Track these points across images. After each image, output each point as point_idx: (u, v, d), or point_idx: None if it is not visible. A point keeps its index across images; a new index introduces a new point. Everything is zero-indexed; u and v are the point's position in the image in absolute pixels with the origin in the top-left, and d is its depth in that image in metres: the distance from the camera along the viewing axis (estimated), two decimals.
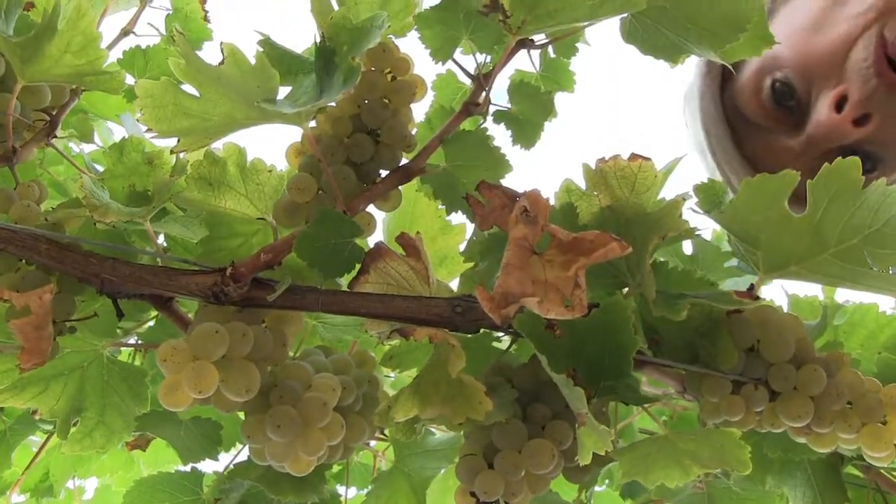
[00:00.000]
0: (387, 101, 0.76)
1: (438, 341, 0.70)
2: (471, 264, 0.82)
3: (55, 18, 0.71)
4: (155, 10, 1.14)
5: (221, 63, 0.62)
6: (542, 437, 0.74)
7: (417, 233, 0.77)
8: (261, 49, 0.73)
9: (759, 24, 0.84)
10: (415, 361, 0.86)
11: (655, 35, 0.83)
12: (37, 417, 1.04)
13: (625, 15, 0.82)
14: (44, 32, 0.71)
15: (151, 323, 0.90)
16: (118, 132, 1.06)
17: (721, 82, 1.21)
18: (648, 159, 0.74)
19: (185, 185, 0.76)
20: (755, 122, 1.17)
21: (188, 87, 0.63)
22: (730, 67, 0.91)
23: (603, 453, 0.66)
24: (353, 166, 0.76)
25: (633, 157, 0.74)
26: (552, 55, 0.97)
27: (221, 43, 0.64)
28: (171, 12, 1.19)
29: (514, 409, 0.75)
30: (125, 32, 1.10)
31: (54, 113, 0.83)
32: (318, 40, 0.67)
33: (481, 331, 0.75)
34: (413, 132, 0.80)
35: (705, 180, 0.86)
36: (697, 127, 1.22)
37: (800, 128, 1.12)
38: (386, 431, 0.92)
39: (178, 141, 0.69)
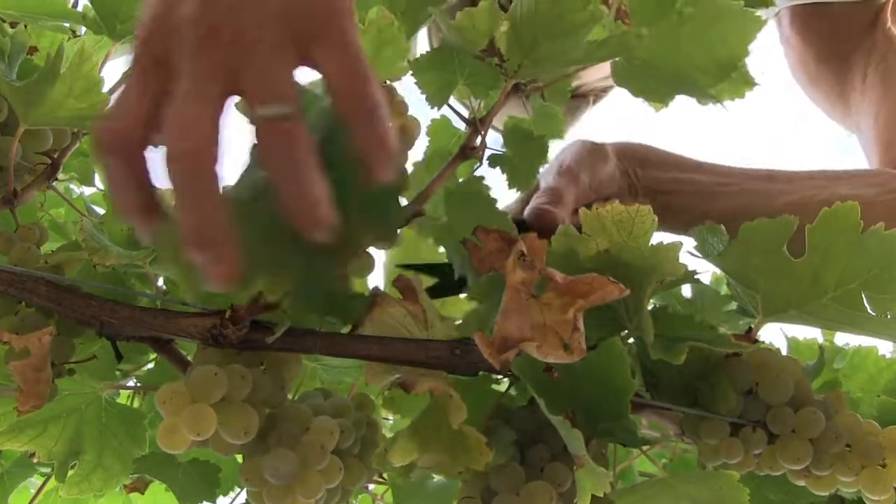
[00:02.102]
0: None
1: (438, 394, 0.69)
2: (473, 305, 0.81)
3: (58, 63, 0.71)
4: None
5: None
6: (541, 480, 0.73)
7: (414, 274, 0.77)
8: None
9: (743, 68, 0.85)
10: (415, 406, 0.85)
11: (646, 77, 0.83)
12: (35, 460, 1.03)
13: (617, 58, 0.82)
14: (46, 76, 0.71)
15: (150, 365, 0.89)
16: None
17: None
18: (646, 204, 0.74)
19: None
20: None
21: None
22: None
23: (601, 495, 0.65)
24: None
25: (630, 202, 0.74)
26: (544, 101, 0.97)
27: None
28: None
29: (513, 451, 0.75)
30: (126, 77, 1.10)
31: (55, 156, 0.83)
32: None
33: (480, 373, 0.74)
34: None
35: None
36: None
37: None
38: (385, 475, 0.91)
39: None
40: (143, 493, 1.03)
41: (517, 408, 0.78)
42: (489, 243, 0.69)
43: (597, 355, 0.67)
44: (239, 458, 0.98)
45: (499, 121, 1.01)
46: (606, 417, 0.69)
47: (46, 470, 1.13)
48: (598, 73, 1.23)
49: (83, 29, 0.91)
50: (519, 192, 0.91)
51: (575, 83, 1.19)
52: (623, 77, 0.84)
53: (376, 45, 0.74)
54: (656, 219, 0.72)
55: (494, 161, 0.89)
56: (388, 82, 0.78)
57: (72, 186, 1.08)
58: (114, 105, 0.54)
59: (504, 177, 0.90)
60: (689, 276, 0.68)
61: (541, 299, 0.64)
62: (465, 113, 0.84)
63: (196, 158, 0.50)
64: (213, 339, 0.71)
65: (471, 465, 0.69)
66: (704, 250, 0.73)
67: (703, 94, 0.83)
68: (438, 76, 0.82)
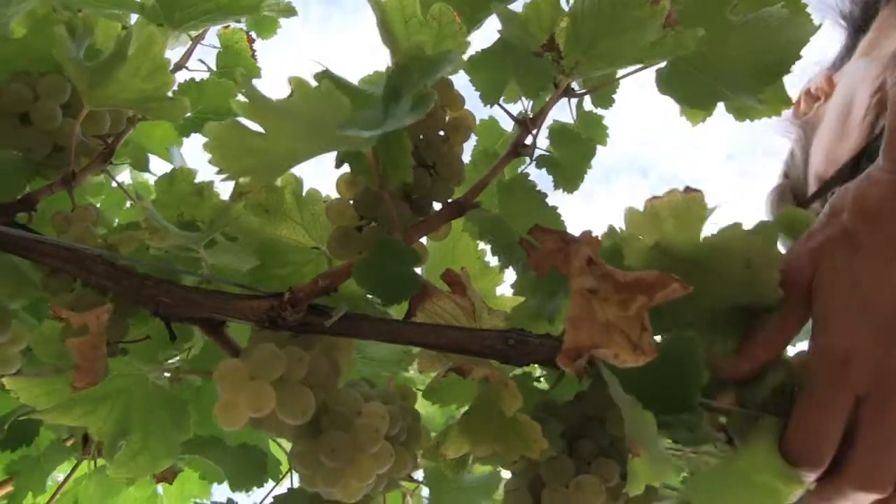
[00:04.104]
0: (443, 135, 0.77)
1: (495, 381, 0.69)
2: (521, 299, 0.81)
3: (127, 44, 0.71)
4: (206, 47, 1.15)
5: (290, 97, 0.62)
6: (590, 473, 0.73)
7: (462, 268, 0.77)
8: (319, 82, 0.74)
9: (779, 87, 0.86)
10: (458, 396, 0.85)
11: (692, 83, 0.84)
12: (69, 443, 1.02)
13: (663, 64, 0.83)
14: (115, 57, 0.72)
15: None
16: (157, 163, 1.06)
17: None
18: (699, 191, 0.74)
19: (241, 211, 0.76)
20: None
21: (253, 126, 0.62)
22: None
23: (658, 485, 0.65)
24: (406, 198, 0.76)
25: (688, 190, 0.74)
26: (589, 106, 0.98)
27: (289, 77, 0.65)
28: (220, 50, 1.20)
29: (562, 444, 0.74)
30: (178, 67, 1.10)
31: (110, 140, 0.83)
32: (389, 67, 0.68)
33: (522, 371, 0.74)
34: None
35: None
36: None
37: None
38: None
39: (244, 178, 0.69)
40: (171, 484, 1.02)
41: (563, 402, 0.78)
42: (547, 243, 0.69)
43: (668, 346, 0.67)
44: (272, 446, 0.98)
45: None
46: (670, 410, 0.69)
47: (77, 455, 1.12)
48: None
49: (132, 19, 0.92)
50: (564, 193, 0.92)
51: None
52: (667, 84, 0.84)
53: (436, 40, 0.74)
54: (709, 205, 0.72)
55: (542, 162, 0.90)
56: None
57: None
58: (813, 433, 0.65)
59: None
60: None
61: (597, 293, 0.64)
62: (515, 113, 0.85)
63: None
64: (271, 321, 0.71)
65: (526, 453, 0.69)
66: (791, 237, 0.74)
67: (747, 101, 0.84)
68: (492, 75, 0.82)
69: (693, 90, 0.84)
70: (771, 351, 0.71)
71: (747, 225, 0.69)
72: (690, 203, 0.72)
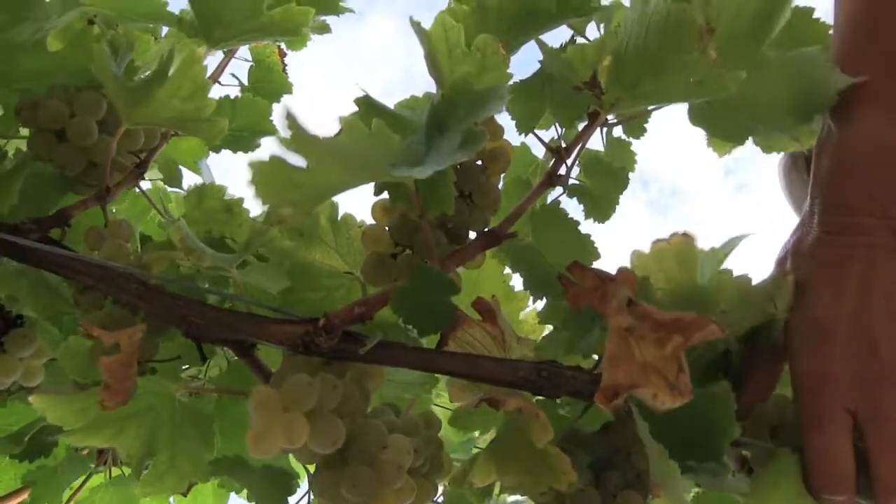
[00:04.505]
0: (481, 165, 0.76)
1: (527, 412, 0.69)
2: (546, 328, 0.81)
3: (168, 64, 0.71)
4: (237, 60, 1.15)
5: (338, 135, 0.62)
6: None
7: (493, 297, 0.76)
8: (357, 108, 0.74)
9: (814, 124, 0.86)
10: (482, 424, 0.85)
11: (725, 118, 0.84)
12: (85, 453, 1.02)
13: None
14: (156, 77, 0.71)
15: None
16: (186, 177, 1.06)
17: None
18: (692, 236, 0.75)
19: (275, 233, 0.75)
20: None
21: (295, 159, 0.62)
22: None
23: None
24: (442, 227, 0.76)
25: (684, 234, 0.75)
26: (619, 134, 0.98)
27: (340, 118, 0.64)
28: (253, 65, 1.20)
29: (589, 476, 0.74)
30: (211, 81, 1.10)
31: (143, 156, 0.83)
32: (435, 100, 0.68)
33: (542, 399, 0.74)
34: None
35: None
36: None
37: None
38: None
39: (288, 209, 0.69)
40: (185, 496, 1.02)
41: (590, 433, 0.78)
42: (585, 280, 0.69)
43: (702, 394, 0.66)
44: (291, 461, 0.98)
45: None
46: (697, 456, 0.69)
47: (91, 466, 1.12)
48: None
49: (164, 32, 0.92)
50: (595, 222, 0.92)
51: None
52: (701, 117, 0.84)
53: (479, 70, 0.74)
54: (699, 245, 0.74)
55: (573, 191, 0.89)
56: None
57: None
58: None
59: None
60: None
61: (634, 333, 0.64)
62: (548, 142, 0.85)
63: None
64: (304, 346, 0.71)
65: (554, 485, 0.68)
66: None
67: (780, 137, 0.84)
68: (528, 104, 0.82)
69: (726, 125, 0.84)
70: (759, 396, 0.75)
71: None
72: (689, 246, 0.73)
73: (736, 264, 0.76)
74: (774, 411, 0.78)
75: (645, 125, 0.95)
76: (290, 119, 0.52)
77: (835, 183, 0.72)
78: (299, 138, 0.54)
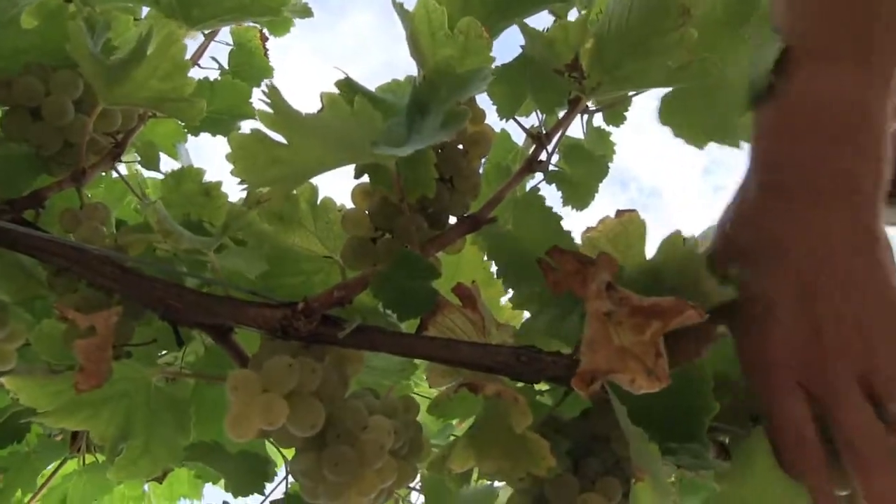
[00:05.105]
0: (462, 149, 0.76)
1: (506, 397, 0.68)
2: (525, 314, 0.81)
3: (146, 43, 0.70)
4: (218, 43, 1.13)
5: (321, 111, 0.61)
6: (594, 492, 0.73)
7: (473, 282, 0.76)
8: (338, 90, 0.73)
9: None
10: (461, 411, 0.84)
11: (694, 115, 0.83)
12: (58, 439, 1.00)
13: (668, 91, 0.82)
14: (133, 56, 0.70)
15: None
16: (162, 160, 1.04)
17: None
18: (633, 211, 0.74)
19: (254, 217, 0.74)
20: None
21: (276, 136, 0.61)
22: None
23: None
24: (422, 211, 0.75)
25: (620, 213, 0.75)
26: (599, 123, 0.98)
27: (322, 93, 0.64)
28: (233, 47, 1.18)
29: (568, 462, 0.74)
30: (191, 64, 1.08)
31: (120, 137, 0.81)
32: (417, 82, 0.67)
33: (522, 385, 0.74)
34: None
35: None
36: None
37: None
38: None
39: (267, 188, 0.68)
40: (161, 483, 1.01)
41: (569, 419, 0.78)
42: (565, 265, 0.68)
43: (677, 374, 0.66)
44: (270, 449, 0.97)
45: None
46: (676, 438, 0.69)
47: (65, 453, 1.10)
48: None
49: (143, 13, 0.90)
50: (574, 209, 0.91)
51: None
52: (670, 114, 0.81)
53: (462, 54, 0.73)
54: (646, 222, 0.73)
55: (552, 178, 0.89)
56: None
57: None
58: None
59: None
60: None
61: (613, 318, 0.64)
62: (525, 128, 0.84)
63: None
64: (283, 330, 0.70)
65: (533, 471, 0.68)
66: None
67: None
68: (510, 90, 0.81)
69: (693, 123, 0.83)
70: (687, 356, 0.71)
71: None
72: (626, 225, 0.73)
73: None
74: (756, 401, 0.78)
75: (625, 113, 0.94)
76: (273, 93, 0.52)
77: (774, 139, 0.68)
78: (281, 112, 0.53)
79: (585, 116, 0.92)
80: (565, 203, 0.91)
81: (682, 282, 0.68)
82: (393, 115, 0.71)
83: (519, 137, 0.97)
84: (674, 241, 0.70)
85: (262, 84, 0.58)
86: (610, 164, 0.95)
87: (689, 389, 0.67)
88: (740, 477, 0.70)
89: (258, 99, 0.57)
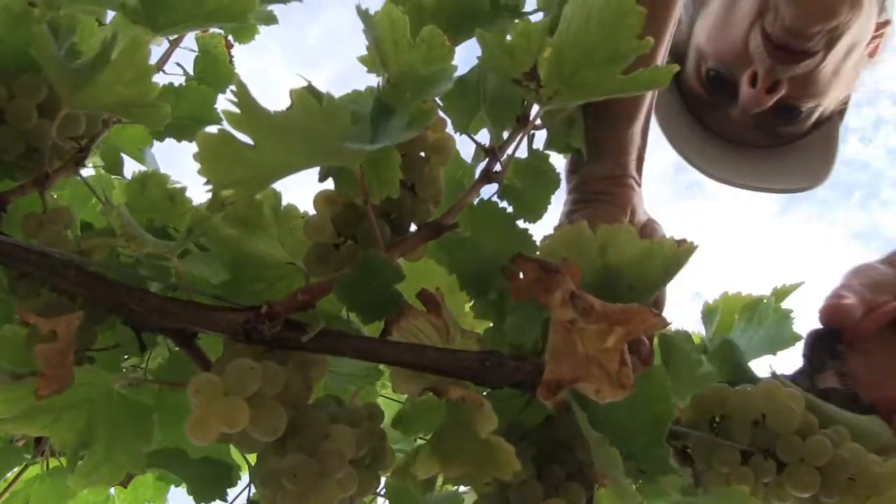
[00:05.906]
0: (424, 156, 0.76)
1: (471, 402, 0.68)
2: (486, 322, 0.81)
3: (111, 48, 0.69)
4: (182, 49, 1.13)
5: (289, 109, 0.61)
6: (558, 498, 0.73)
7: (438, 289, 0.76)
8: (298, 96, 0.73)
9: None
10: (426, 426, 0.84)
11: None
12: (20, 444, 0.99)
13: None
14: (97, 60, 0.70)
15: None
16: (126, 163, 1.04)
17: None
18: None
19: (217, 222, 0.74)
20: (705, 100, 1.48)
21: (243, 137, 0.61)
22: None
23: None
24: (385, 217, 0.76)
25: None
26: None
27: (291, 90, 0.63)
28: (198, 54, 1.18)
29: (532, 468, 0.74)
30: (155, 70, 1.08)
31: (84, 142, 0.81)
32: (380, 83, 0.67)
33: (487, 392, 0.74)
34: None
35: None
36: (661, 119, 1.51)
37: (736, 99, 1.41)
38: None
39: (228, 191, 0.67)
40: (125, 487, 0.99)
41: (533, 426, 0.78)
42: (528, 272, 0.68)
43: (639, 382, 0.67)
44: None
45: None
46: (637, 443, 0.69)
47: (27, 457, 1.09)
48: (838, 95, 1.43)
49: (109, 17, 0.90)
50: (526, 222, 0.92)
51: (818, 112, 1.42)
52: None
53: (424, 63, 0.73)
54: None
55: (504, 193, 0.89)
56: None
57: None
58: None
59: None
60: None
61: (577, 325, 0.64)
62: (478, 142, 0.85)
63: None
64: (246, 334, 0.69)
65: (499, 476, 0.68)
66: None
67: None
68: (464, 102, 0.82)
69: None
70: None
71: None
72: (579, 230, 0.73)
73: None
74: (715, 402, 0.79)
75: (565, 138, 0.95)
76: (241, 91, 0.51)
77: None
78: (248, 111, 0.53)
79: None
80: (517, 217, 0.91)
81: (638, 280, 0.69)
82: (356, 122, 0.71)
83: (467, 155, 0.98)
84: (622, 240, 0.71)
85: (227, 90, 0.57)
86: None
87: (650, 396, 0.67)
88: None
89: (226, 98, 0.57)
